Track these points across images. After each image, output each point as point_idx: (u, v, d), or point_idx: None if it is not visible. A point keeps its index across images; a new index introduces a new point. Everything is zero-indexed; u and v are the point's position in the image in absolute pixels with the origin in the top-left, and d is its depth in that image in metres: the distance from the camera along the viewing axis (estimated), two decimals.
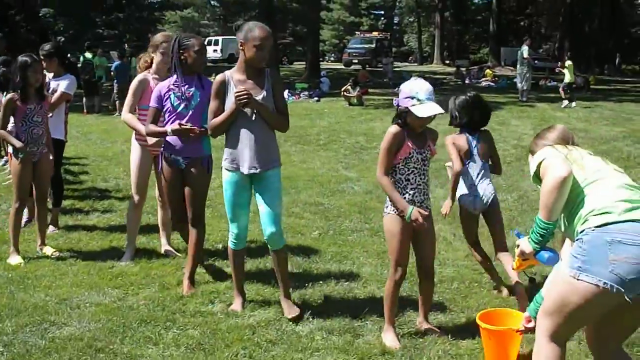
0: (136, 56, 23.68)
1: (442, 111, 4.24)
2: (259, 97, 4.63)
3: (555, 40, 58.69)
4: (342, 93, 21.90)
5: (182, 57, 5.28)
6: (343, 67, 46.11)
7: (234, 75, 4.73)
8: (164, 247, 6.43)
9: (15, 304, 5.06)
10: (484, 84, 31.42)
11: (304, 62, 39.03)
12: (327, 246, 6.69)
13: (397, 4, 73.35)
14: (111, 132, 15.61)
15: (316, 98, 23.16)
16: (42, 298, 5.19)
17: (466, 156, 5.31)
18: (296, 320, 4.77)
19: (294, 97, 23.07)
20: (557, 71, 22.94)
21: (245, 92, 4.53)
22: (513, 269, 3.68)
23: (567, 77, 20.66)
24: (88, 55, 21.66)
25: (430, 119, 4.27)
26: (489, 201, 5.31)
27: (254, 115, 4.66)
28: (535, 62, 29.13)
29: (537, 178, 3.39)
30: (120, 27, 43.10)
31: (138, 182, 6.12)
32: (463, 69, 37.38)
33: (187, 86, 5.32)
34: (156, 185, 6.37)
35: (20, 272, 5.81)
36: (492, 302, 5.16)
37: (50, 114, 6.58)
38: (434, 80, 27.66)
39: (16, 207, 6.20)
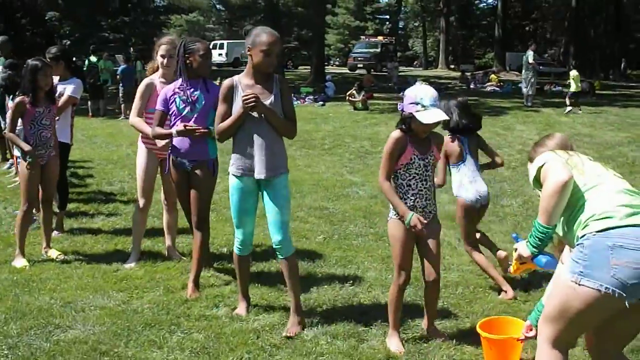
0: (141, 60, 23.88)
1: (447, 118, 4.26)
2: (266, 102, 4.59)
3: (560, 45, 58.67)
4: (347, 98, 21.92)
5: (188, 61, 5.30)
6: (348, 71, 46.18)
7: (242, 80, 4.70)
8: (168, 249, 6.44)
9: (20, 306, 5.07)
10: (488, 88, 31.42)
11: (309, 67, 39.08)
12: (332, 250, 6.69)
13: (403, 8, 73.39)
14: (116, 135, 15.64)
15: (321, 102, 23.20)
16: (46, 301, 5.20)
17: (459, 158, 5.49)
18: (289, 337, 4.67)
19: (299, 101, 23.09)
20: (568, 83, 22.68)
21: (253, 95, 4.51)
22: (510, 272, 3.68)
23: (573, 87, 20.52)
24: (93, 58, 21.73)
25: (435, 125, 4.28)
26: (488, 196, 5.60)
27: (261, 120, 4.61)
28: (540, 67, 29.07)
29: (537, 182, 3.39)
30: (125, 30, 43.18)
31: (144, 185, 6.13)
32: (468, 73, 37.42)
33: (192, 90, 5.34)
34: (162, 188, 6.38)
35: (25, 275, 5.82)
36: (497, 308, 5.16)
37: (57, 118, 6.60)
38: (438, 85, 27.73)
39: (24, 210, 6.22)
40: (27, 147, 6.10)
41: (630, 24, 53.76)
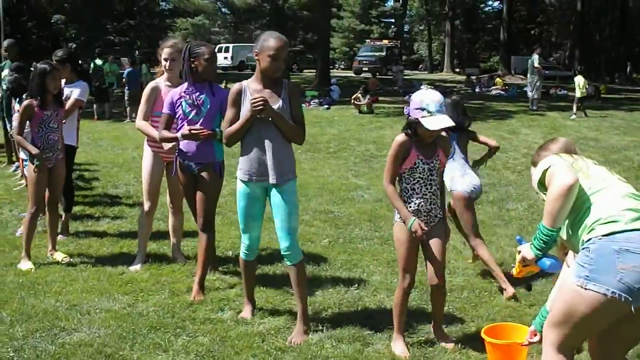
0: (147, 63, 23.92)
1: (453, 124, 4.25)
2: (274, 107, 4.56)
3: (565, 49, 58.68)
4: (352, 102, 21.91)
5: (193, 65, 5.31)
6: (353, 74, 46.18)
7: (250, 85, 4.68)
8: (174, 252, 6.45)
9: (26, 309, 5.08)
10: (494, 92, 31.38)
11: (314, 70, 39.05)
12: (337, 254, 6.68)
13: (408, 12, 73.39)
14: (122, 138, 15.67)
15: (326, 106, 23.20)
16: (52, 304, 5.21)
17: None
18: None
19: (304, 105, 23.08)
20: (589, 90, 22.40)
21: (261, 98, 4.49)
22: (513, 274, 3.67)
23: (578, 92, 20.43)
24: (98, 62, 21.77)
25: (440, 131, 4.27)
26: (481, 188, 5.85)
27: (269, 125, 4.58)
28: (546, 72, 29.04)
29: (542, 186, 3.38)
30: (131, 34, 43.31)
31: (150, 188, 6.14)
32: (473, 77, 37.38)
33: (197, 93, 5.35)
34: (167, 191, 6.38)
35: (30, 278, 5.83)
36: (502, 312, 5.15)
37: (64, 121, 6.62)
38: (444, 89, 27.69)
39: (32, 213, 6.23)
40: (35, 151, 6.12)
41: (636, 27, 53.63)
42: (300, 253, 4.79)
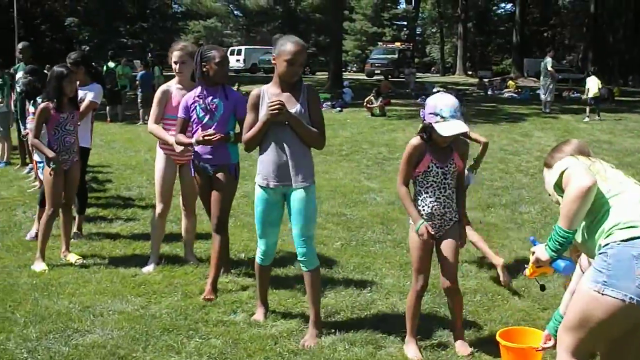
0: (159, 65, 24.00)
1: (467, 129, 4.23)
2: (292, 111, 4.53)
3: (579, 51, 58.48)
4: (364, 104, 21.89)
5: (204, 69, 5.33)
6: (365, 77, 46.11)
7: (269, 89, 4.66)
8: (187, 254, 6.46)
9: (39, 310, 5.11)
10: (506, 95, 31.28)
11: (326, 72, 39.05)
12: (350, 257, 6.67)
13: (420, 14, 73.29)
14: (135, 140, 15.74)
15: (339, 108, 23.18)
16: (65, 305, 5.23)
17: None
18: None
19: None
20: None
21: (278, 101, 4.46)
22: (526, 275, 3.64)
23: (591, 93, 20.26)
24: (111, 64, 21.87)
25: (454, 136, 4.23)
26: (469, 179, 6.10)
27: (287, 129, 4.55)
28: (559, 76, 28.93)
29: (558, 188, 3.33)
30: (144, 36, 43.56)
31: (162, 190, 6.15)
32: (486, 80, 37.31)
33: (211, 98, 5.38)
34: (180, 193, 6.40)
35: (44, 279, 5.86)
36: (515, 315, 5.13)
37: (79, 123, 6.65)
38: (456, 92, 27.60)
39: (49, 215, 6.26)
40: (51, 154, 6.15)
41: None
42: (317, 260, 4.78)
